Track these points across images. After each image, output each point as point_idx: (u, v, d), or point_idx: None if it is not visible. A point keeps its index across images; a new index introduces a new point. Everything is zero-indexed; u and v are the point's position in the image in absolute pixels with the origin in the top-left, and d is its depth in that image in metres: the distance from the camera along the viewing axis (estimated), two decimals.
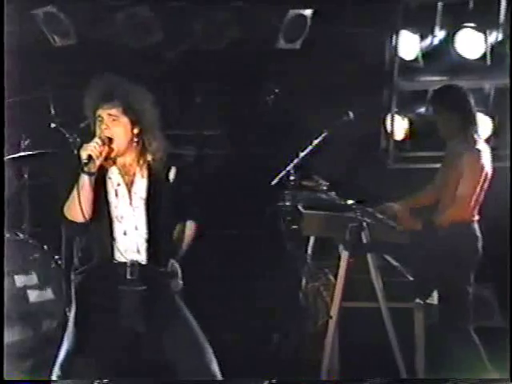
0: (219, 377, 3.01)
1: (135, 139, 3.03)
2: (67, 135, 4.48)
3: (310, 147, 4.16)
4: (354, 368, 3.65)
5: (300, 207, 3.90)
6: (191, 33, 4.82)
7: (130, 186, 3.05)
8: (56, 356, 2.96)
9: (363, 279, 3.66)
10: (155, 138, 3.06)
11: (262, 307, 4.36)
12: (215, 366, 3.01)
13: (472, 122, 3.79)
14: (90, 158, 2.92)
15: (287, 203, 4.04)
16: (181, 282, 3.12)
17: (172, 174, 3.07)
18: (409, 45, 4.97)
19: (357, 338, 3.68)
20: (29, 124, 4.64)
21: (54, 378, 2.95)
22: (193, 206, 3.17)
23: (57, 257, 4.23)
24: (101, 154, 2.94)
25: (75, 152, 4.25)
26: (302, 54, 4.91)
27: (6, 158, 4.34)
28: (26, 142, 4.60)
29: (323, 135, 4.16)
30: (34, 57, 4.76)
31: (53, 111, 4.56)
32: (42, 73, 4.75)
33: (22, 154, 4.41)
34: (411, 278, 3.79)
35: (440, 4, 4.84)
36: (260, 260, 4.69)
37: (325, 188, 4.13)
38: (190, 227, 3.18)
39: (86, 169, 2.91)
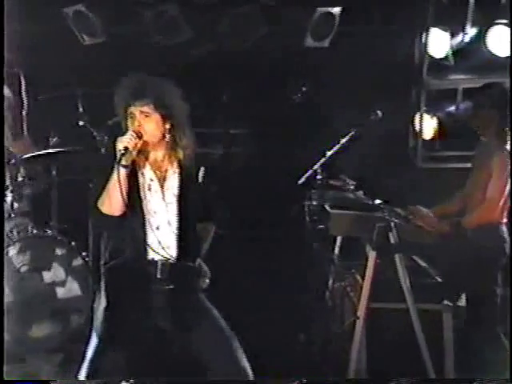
0: (250, 375, 3.00)
1: (166, 135, 3.06)
2: (95, 133, 4.53)
3: (337, 146, 4.11)
4: (382, 369, 3.61)
5: (327, 207, 3.87)
6: (219, 31, 4.83)
7: (162, 181, 3.07)
8: (84, 352, 2.98)
9: (391, 280, 3.62)
10: (185, 134, 3.08)
11: (289, 307, 4.34)
12: (246, 364, 3.00)
13: (508, 121, 3.75)
14: (125, 149, 2.94)
15: (314, 202, 4.02)
16: (207, 281, 3.13)
17: (201, 173, 3.09)
18: (439, 42, 4.91)
19: (384, 339, 3.65)
20: (57, 121, 4.69)
21: (82, 374, 2.96)
22: (216, 206, 3.19)
23: (84, 253, 4.25)
24: (135, 146, 2.97)
25: (102, 150, 4.31)
26: (330, 52, 4.89)
27: (36, 153, 4.43)
28: (55, 139, 4.65)
29: (351, 134, 4.12)
30: (63, 55, 4.82)
31: (81, 109, 4.61)
32: (70, 71, 4.80)
33: (51, 150, 4.48)
34: (439, 280, 3.74)
35: (471, 0, 4.77)
36: (286, 260, 4.67)
37: (352, 187, 4.09)
38: (211, 227, 3.22)
39: (123, 161, 2.94)
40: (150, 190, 3.05)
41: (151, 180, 3.06)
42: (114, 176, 2.92)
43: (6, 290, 4.06)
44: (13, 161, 4.35)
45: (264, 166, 5.06)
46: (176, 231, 3.03)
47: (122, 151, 2.94)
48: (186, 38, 4.86)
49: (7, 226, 4.31)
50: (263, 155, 5.12)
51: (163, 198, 3.05)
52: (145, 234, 3.00)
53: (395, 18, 4.75)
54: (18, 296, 4.11)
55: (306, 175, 4.14)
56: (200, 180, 3.08)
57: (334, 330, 3.93)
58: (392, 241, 3.60)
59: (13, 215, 4.35)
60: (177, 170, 3.08)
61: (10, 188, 4.31)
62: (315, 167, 4.13)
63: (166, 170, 3.07)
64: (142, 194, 3.04)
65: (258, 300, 4.43)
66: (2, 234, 2.96)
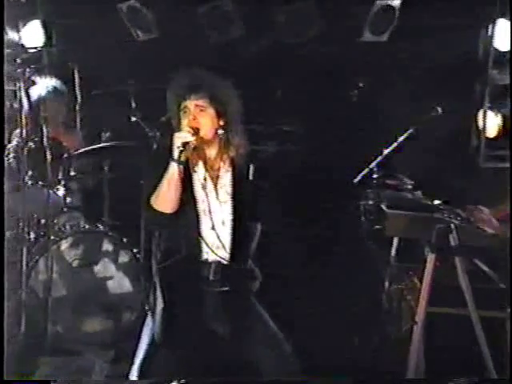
0: (301, 378, 2.94)
1: (220, 132, 3.01)
2: (147, 129, 4.52)
3: (394, 144, 4.01)
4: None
5: (383, 206, 3.75)
6: (273, 26, 4.76)
7: (215, 180, 3.03)
8: (135, 351, 2.94)
9: (450, 284, 3.47)
10: (238, 132, 3.04)
11: (343, 309, 4.23)
12: (298, 368, 2.95)
13: None
14: (185, 145, 2.90)
15: (370, 202, 3.92)
16: (258, 282, 3.06)
17: (251, 171, 3.03)
18: (506, 34, 4.69)
19: (443, 346, 3.50)
20: (110, 117, 4.71)
21: (134, 374, 2.93)
22: (263, 205, 3.11)
23: (135, 250, 4.23)
24: (192, 142, 2.93)
25: (154, 146, 4.30)
26: (388, 47, 4.74)
27: (88, 148, 4.45)
28: (107, 135, 4.67)
29: (409, 131, 4.00)
30: (116, 50, 4.83)
31: (134, 105, 4.61)
32: (124, 66, 4.81)
33: (103, 145, 4.49)
34: (503, 286, 3.57)
35: None
36: (341, 260, 4.56)
37: (410, 187, 3.97)
38: (257, 225, 3.14)
39: (181, 157, 2.89)
40: (204, 188, 3.00)
41: (205, 179, 3.02)
42: (170, 173, 2.88)
43: (59, 284, 4.10)
44: (65, 155, 4.39)
45: (318, 164, 4.95)
46: (230, 231, 2.98)
47: (181, 148, 2.90)
48: (239, 34, 4.81)
49: (60, 220, 4.36)
50: (317, 153, 5.01)
51: (217, 197, 3.00)
52: (199, 233, 2.95)
53: (458, 10, 4.55)
54: (71, 290, 4.13)
55: (362, 174, 4.04)
56: (251, 178, 3.02)
57: (391, 333, 3.82)
58: (452, 243, 3.46)
59: (65, 209, 4.38)
60: (229, 169, 3.04)
61: (63, 182, 4.34)
62: (371, 166, 4.03)
63: (219, 169, 3.03)
64: (196, 192, 2.99)
65: (311, 302, 4.33)
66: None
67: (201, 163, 3.03)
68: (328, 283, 4.50)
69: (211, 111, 2.99)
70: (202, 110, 2.97)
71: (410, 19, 4.66)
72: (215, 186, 3.02)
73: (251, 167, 3.03)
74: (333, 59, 4.88)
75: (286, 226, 4.50)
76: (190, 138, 2.91)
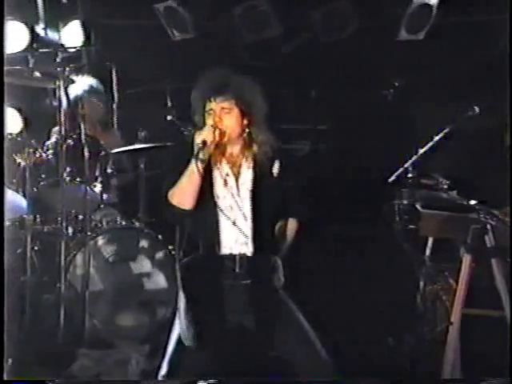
0: (333, 374, 2.92)
1: (245, 130, 3.03)
2: (182, 128, 4.56)
3: (430, 143, 3.97)
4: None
5: (418, 206, 3.73)
6: (310, 25, 4.75)
7: (237, 176, 3.04)
8: (166, 347, 2.98)
9: (487, 285, 3.44)
10: (262, 130, 3.04)
11: (377, 309, 4.21)
12: (329, 363, 2.92)
13: None
14: (204, 143, 2.93)
15: (404, 201, 3.89)
16: (282, 278, 3.07)
17: (275, 169, 3.03)
18: None
19: (479, 348, 3.46)
20: (146, 116, 4.76)
21: (163, 369, 2.96)
22: (297, 203, 3.11)
23: (170, 247, 4.27)
24: (214, 140, 2.95)
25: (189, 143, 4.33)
26: (425, 46, 4.70)
27: (125, 148, 4.51)
28: (143, 134, 4.72)
29: (445, 131, 3.96)
30: (153, 50, 4.89)
31: (169, 104, 4.66)
32: (160, 66, 4.86)
33: (139, 146, 4.54)
34: None
35: None
36: (374, 260, 4.54)
37: (445, 187, 3.92)
38: (292, 224, 3.12)
39: (200, 155, 2.92)
40: (225, 185, 3.02)
41: (227, 175, 3.03)
42: (190, 169, 2.91)
43: (96, 278, 4.18)
44: (102, 153, 4.46)
45: (352, 163, 4.94)
46: (252, 227, 2.98)
47: (200, 145, 2.92)
48: (275, 33, 4.82)
49: (96, 216, 4.43)
50: (352, 152, 5.00)
51: (238, 194, 3.01)
52: (220, 229, 2.97)
53: (496, 8, 4.48)
54: (107, 285, 4.20)
55: (397, 173, 4.01)
56: (275, 175, 3.03)
57: (426, 334, 3.78)
58: (488, 244, 3.42)
59: (102, 206, 4.45)
60: (251, 165, 3.03)
61: (100, 179, 4.40)
62: (406, 165, 4.00)
63: (240, 165, 3.04)
64: (217, 188, 3.01)
65: (345, 301, 4.32)
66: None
67: (224, 160, 3.05)
68: (362, 283, 4.49)
69: (236, 112, 3.00)
70: (227, 112, 2.99)
71: (447, 17, 4.61)
72: (237, 182, 3.02)
73: (276, 164, 3.04)
74: (368, 58, 4.86)
75: (319, 225, 4.48)
76: (210, 137, 2.93)
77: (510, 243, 3.58)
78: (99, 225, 4.33)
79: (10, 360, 2.78)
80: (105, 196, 4.43)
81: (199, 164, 2.91)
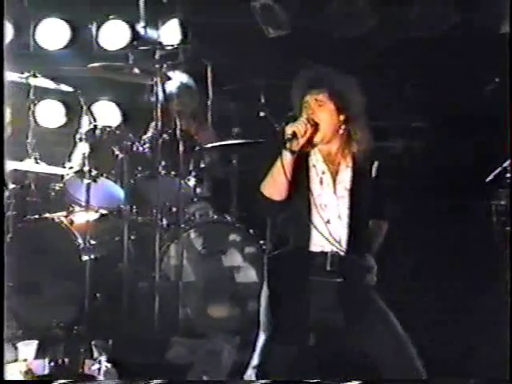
0: (424, 374, 2.88)
1: (341, 127, 3.03)
2: (275, 124, 4.61)
3: None
4: None
5: None
6: (407, 20, 4.66)
7: (334, 175, 3.02)
8: (255, 340, 3.04)
9: None
10: (361, 127, 3.02)
11: (469, 311, 4.11)
12: (419, 364, 2.88)
13: None
14: (293, 134, 2.95)
15: (502, 202, 3.78)
16: (375, 278, 3.05)
17: (375, 168, 3.02)
18: None
19: None
20: (239, 112, 4.84)
21: (254, 362, 3.00)
22: (390, 203, 3.08)
23: (262, 241, 4.31)
24: (305, 133, 2.97)
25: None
26: None
27: (219, 143, 4.61)
28: (236, 130, 4.81)
29: None
30: (247, 47, 4.95)
31: (263, 100, 4.72)
32: (254, 63, 4.92)
33: (233, 142, 4.63)
34: None
35: None
36: (469, 261, 4.42)
37: None
38: (383, 224, 3.10)
39: (288, 145, 2.94)
40: (321, 183, 3.02)
41: (323, 173, 3.02)
42: (280, 160, 2.92)
43: (188, 270, 4.30)
44: (197, 148, 4.57)
45: (447, 161, 4.80)
46: (347, 225, 2.97)
47: (289, 136, 2.94)
48: (370, 28, 4.76)
49: (190, 209, 4.56)
50: (446, 150, 4.86)
51: (335, 192, 3.00)
52: (312, 225, 2.97)
53: None
54: (199, 276, 4.31)
55: (495, 173, 3.90)
56: (374, 174, 3.01)
57: None
58: None
59: (195, 199, 4.58)
60: (350, 164, 3.02)
61: (194, 173, 4.52)
62: (505, 165, 3.89)
63: (339, 164, 3.03)
64: (312, 186, 3.01)
65: (436, 303, 4.24)
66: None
67: (320, 157, 3.05)
68: (454, 284, 4.39)
69: (331, 106, 3.00)
70: (321, 105, 3.00)
71: None
72: (334, 180, 3.01)
73: (375, 164, 3.03)
74: (468, 52, 4.70)
75: (412, 225, 4.41)
76: (301, 129, 2.95)
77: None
78: (192, 218, 4.46)
79: (110, 341, 2.93)
80: (198, 190, 4.55)
81: (289, 155, 2.95)
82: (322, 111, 3.00)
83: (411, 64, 4.84)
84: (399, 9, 4.70)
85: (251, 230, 4.35)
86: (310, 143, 3.03)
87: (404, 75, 4.94)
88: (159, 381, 2.81)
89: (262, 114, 4.68)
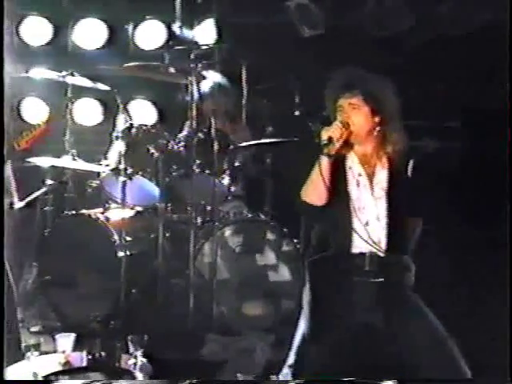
0: (468, 374, 2.89)
1: (376, 128, 3.03)
2: (310, 123, 4.61)
3: None
4: None
5: None
6: (440, 18, 4.62)
7: (371, 176, 3.05)
8: (292, 337, 3.04)
9: None
10: (395, 128, 3.05)
11: (508, 311, 4.05)
12: (463, 363, 2.89)
13: None
14: (330, 139, 2.97)
15: None
16: (413, 278, 3.04)
17: (410, 168, 3.01)
18: None
19: None
20: (274, 111, 4.85)
21: (290, 360, 3.04)
22: (426, 203, 3.07)
23: (296, 240, 4.35)
24: (341, 136, 2.98)
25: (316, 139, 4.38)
26: None
27: (253, 142, 4.62)
28: (270, 129, 4.83)
29: None
30: (282, 47, 4.96)
31: (297, 99, 4.72)
32: (289, 62, 4.92)
33: (267, 140, 4.64)
34: None
35: None
36: (505, 263, 4.36)
37: None
38: (419, 222, 3.10)
39: (325, 150, 2.96)
40: (358, 185, 3.03)
41: (359, 175, 3.05)
42: (319, 166, 2.96)
43: (222, 268, 4.33)
44: (231, 147, 4.60)
45: (481, 161, 4.75)
46: (385, 226, 2.99)
47: (325, 141, 2.97)
48: (407, 26, 4.73)
49: (224, 208, 4.60)
50: (481, 150, 4.81)
51: (372, 194, 3.02)
52: (352, 228, 2.99)
53: None
54: (233, 274, 4.33)
55: None
56: (409, 174, 3.00)
57: None
58: None
59: (229, 198, 4.61)
60: (385, 165, 3.04)
61: (228, 172, 4.55)
62: None
63: (375, 165, 3.05)
64: (349, 189, 3.03)
65: (473, 302, 4.20)
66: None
67: (356, 159, 3.07)
68: (487, 285, 4.33)
69: (365, 109, 3.02)
70: (355, 108, 3.02)
71: None
72: (370, 182, 3.03)
73: (410, 163, 3.02)
74: (502, 52, 4.64)
75: (448, 225, 4.37)
76: (336, 133, 2.97)
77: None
78: (226, 216, 4.49)
79: (145, 336, 2.98)
80: (232, 188, 4.58)
81: (326, 160, 2.96)
82: (356, 114, 3.03)
83: (445, 63, 4.79)
84: (433, 7, 4.66)
85: (285, 229, 4.36)
86: (346, 146, 3.04)
87: (438, 74, 4.89)
88: (193, 380, 2.84)
89: (296, 113, 4.69)
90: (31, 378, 2.86)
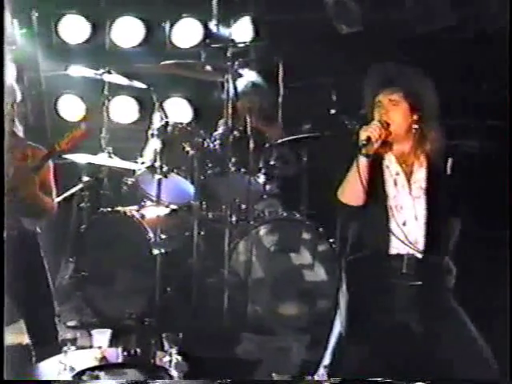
0: (498, 376, 2.82)
1: (414, 126, 2.98)
2: (346, 122, 4.56)
3: None
4: None
5: None
6: (486, 13, 4.51)
7: (409, 175, 2.99)
8: (328, 337, 3.01)
9: None
10: (434, 126, 2.98)
11: None
12: (498, 374, 2.83)
13: None
14: (368, 139, 2.92)
15: None
16: (453, 280, 2.98)
17: (449, 166, 2.94)
18: None
19: None
20: (310, 109, 4.81)
21: (326, 361, 3.00)
22: (464, 203, 3.00)
23: (331, 240, 4.30)
24: (380, 136, 2.93)
25: (353, 137, 4.34)
26: None
27: (288, 138, 4.58)
28: (307, 127, 4.79)
29: None
30: (319, 44, 4.92)
31: (334, 97, 4.67)
32: (325, 59, 4.87)
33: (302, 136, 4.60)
34: None
35: None
36: None
37: None
38: (457, 223, 3.03)
39: (363, 150, 2.91)
40: (395, 184, 2.98)
41: (397, 174, 2.99)
42: (356, 166, 2.90)
43: (257, 266, 4.31)
44: (266, 145, 4.59)
45: None
46: (424, 226, 2.93)
47: (364, 141, 2.91)
48: (444, 24, 4.64)
49: (259, 206, 4.58)
50: None
51: (410, 193, 2.96)
52: (389, 228, 2.93)
53: None
54: (268, 273, 4.32)
55: None
56: (448, 172, 2.94)
57: None
58: None
59: (265, 196, 4.60)
60: (424, 164, 2.98)
61: (263, 170, 4.54)
62: None
63: (413, 164, 2.99)
64: (387, 188, 2.97)
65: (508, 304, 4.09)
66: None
67: (393, 158, 3.01)
68: None
69: (405, 106, 2.96)
70: (394, 105, 2.96)
71: None
72: (408, 181, 2.97)
73: (449, 161, 2.96)
74: None
75: (486, 225, 4.27)
76: (375, 133, 2.91)
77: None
78: (261, 215, 4.47)
79: (180, 334, 2.98)
80: (267, 187, 4.57)
81: (364, 160, 2.91)
82: (395, 111, 2.97)
83: (487, 60, 4.68)
84: (475, 4, 4.56)
85: (321, 228, 4.32)
86: (385, 146, 2.99)
87: (479, 71, 4.78)
88: (228, 380, 2.83)
89: (332, 111, 4.64)
90: (68, 372, 2.88)
